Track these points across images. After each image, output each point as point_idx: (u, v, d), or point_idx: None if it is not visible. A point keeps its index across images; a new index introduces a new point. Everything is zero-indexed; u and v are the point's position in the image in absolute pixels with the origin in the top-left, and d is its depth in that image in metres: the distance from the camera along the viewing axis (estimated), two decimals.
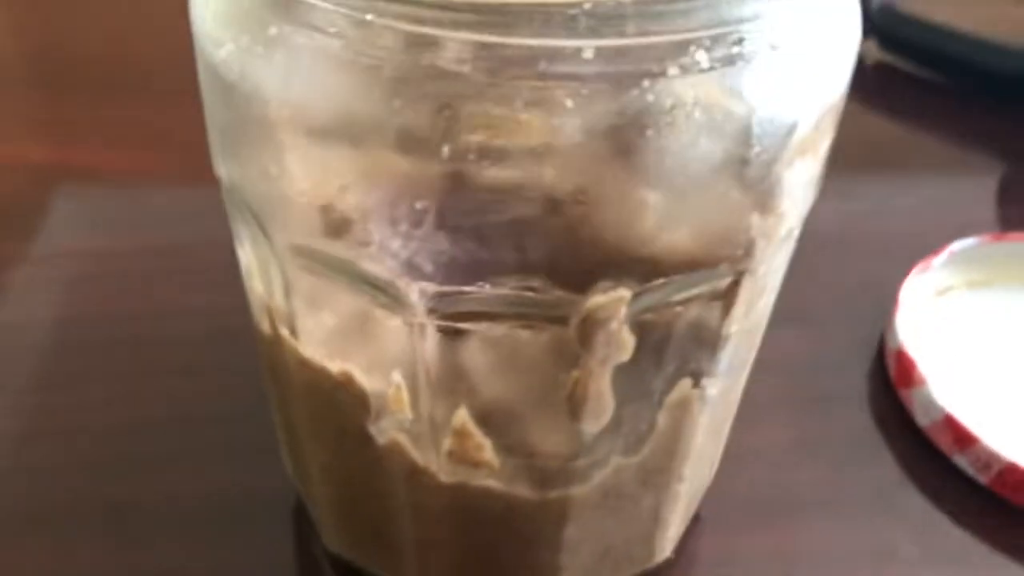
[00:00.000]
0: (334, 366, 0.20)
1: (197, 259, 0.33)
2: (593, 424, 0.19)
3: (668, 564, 0.25)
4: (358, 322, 0.19)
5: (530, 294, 0.17)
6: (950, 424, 0.28)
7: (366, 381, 0.19)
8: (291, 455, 0.24)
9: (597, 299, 0.17)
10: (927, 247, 0.33)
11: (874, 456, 0.29)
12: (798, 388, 0.30)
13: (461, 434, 0.19)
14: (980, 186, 0.41)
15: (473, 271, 0.17)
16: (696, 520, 0.26)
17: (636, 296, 0.17)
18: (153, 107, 0.40)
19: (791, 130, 0.17)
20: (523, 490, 0.20)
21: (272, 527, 0.25)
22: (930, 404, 0.28)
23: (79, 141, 0.40)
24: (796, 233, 0.20)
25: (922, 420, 0.29)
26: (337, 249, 0.17)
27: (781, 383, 0.30)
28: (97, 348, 0.30)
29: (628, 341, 0.18)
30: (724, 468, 0.26)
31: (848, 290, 0.34)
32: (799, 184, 0.18)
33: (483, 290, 0.17)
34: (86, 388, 0.29)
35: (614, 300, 0.17)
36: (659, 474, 0.22)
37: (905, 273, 0.32)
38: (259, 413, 0.25)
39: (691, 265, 0.17)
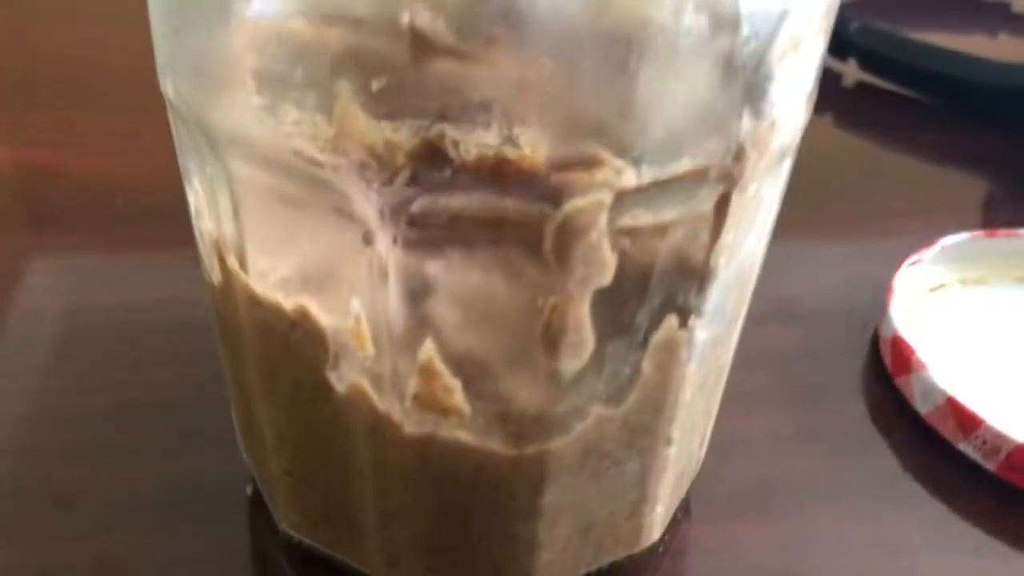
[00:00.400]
0: (288, 302, 0.18)
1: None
2: (572, 361, 0.17)
3: (656, 551, 0.23)
4: (312, 245, 0.17)
5: (506, 200, 0.15)
6: (953, 408, 0.26)
7: (323, 317, 0.18)
8: (244, 428, 0.22)
9: (576, 202, 0.15)
10: (916, 247, 0.32)
11: (871, 445, 0.27)
12: (791, 378, 0.29)
13: (428, 373, 0.18)
14: (965, 199, 0.40)
15: (444, 167, 0.15)
16: (687, 509, 0.24)
17: (617, 201, 0.16)
18: (129, 114, 0.39)
19: (782, 17, 0.15)
20: (496, 444, 0.19)
21: (226, 515, 0.23)
22: (931, 389, 0.27)
23: (61, 145, 0.39)
24: (788, 163, 0.19)
25: (922, 407, 0.27)
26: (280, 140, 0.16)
27: (773, 373, 0.29)
28: (73, 338, 0.29)
29: (609, 259, 0.16)
30: (716, 456, 0.24)
31: (838, 286, 0.33)
32: (791, 92, 0.17)
33: (454, 197, 0.15)
34: (52, 375, 0.27)
35: (593, 204, 0.15)
36: (645, 434, 0.20)
37: (896, 268, 0.31)
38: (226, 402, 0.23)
39: (677, 157, 0.16)
